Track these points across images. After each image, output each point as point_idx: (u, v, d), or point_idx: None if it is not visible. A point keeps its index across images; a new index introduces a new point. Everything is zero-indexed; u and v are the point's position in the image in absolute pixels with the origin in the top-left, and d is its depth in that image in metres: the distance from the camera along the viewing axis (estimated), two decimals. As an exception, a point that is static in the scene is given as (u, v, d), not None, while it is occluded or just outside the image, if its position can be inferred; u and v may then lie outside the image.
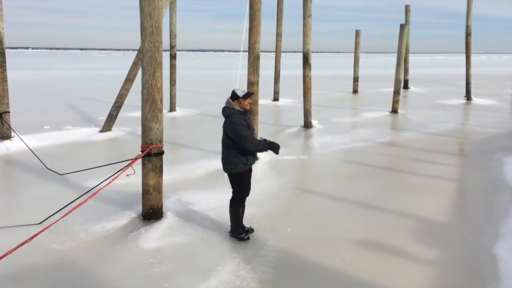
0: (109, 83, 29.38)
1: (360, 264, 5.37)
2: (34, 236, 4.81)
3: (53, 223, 5.37)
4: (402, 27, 18.05)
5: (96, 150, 11.24)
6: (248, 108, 5.80)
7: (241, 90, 5.80)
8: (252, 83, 9.98)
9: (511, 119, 17.66)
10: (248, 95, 5.78)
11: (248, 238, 5.98)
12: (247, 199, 6.35)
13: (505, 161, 10.15)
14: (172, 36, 17.55)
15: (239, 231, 5.99)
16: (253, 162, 5.91)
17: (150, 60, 6.24)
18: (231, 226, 6.05)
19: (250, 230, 6.15)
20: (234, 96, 5.75)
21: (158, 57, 6.28)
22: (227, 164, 5.83)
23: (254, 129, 5.94)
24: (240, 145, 5.62)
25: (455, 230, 6.55)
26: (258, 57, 9.92)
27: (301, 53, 15.04)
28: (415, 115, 17.93)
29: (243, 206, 6.07)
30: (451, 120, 16.77)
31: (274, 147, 5.84)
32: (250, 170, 5.95)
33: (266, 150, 5.82)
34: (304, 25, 14.42)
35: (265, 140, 5.83)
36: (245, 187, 5.92)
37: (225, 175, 6.14)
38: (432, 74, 48.70)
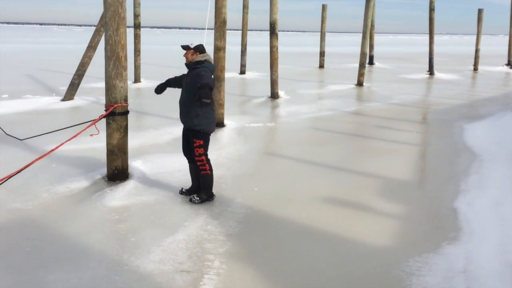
0: (70, 56, 28.41)
1: (326, 218, 5.45)
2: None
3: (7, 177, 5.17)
4: (368, 0, 18.13)
5: (58, 118, 10.90)
6: (186, 61, 5.65)
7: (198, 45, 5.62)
8: (219, 49, 9.85)
9: (471, 91, 18.22)
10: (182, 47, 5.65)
11: (181, 193, 5.98)
12: (215, 162, 6.38)
13: (465, 128, 10.45)
14: (136, 4, 17.07)
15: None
16: (182, 122, 5.73)
17: (113, 15, 6.04)
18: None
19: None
20: None
21: (122, 12, 6.09)
22: None
23: (183, 88, 5.71)
24: None
25: (417, 188, 6.75)
26: (224, 22, 9.77)
27: (268, 32, 14.87)
28: (380, 87, 18.18)
29: (193, 168, 5.90)
30: (414, 92, 17.11)
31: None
32: (185, 131, 5.76)
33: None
34: (271, -7, 14.27)
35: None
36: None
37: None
38: (396, 52, 49.42)
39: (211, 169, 5.73)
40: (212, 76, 5.69)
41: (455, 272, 4.26)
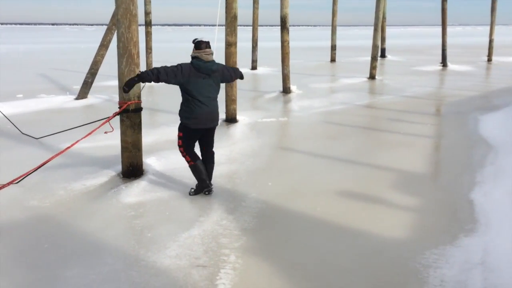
0: (83, 55, 28.70)
1: (341, 212, 5.43)
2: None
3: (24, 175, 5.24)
4: (379, -8, 17.98)
5: (72, 116, 11.00)
6: None
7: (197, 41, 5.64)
8: (230, 44, 9.85)
9: (485, 82, 17.99)
10: None
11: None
12: (229, 157, 6.28)
13: (480, 119, 10.34)
14: (147, 2, 17.14)
15: None
16: None
17: (125, 12, 6.07)
18: (210, 182, 5.99)
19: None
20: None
21: (133, 9, 6.11)
22: (218, 116, 5.85)
23: None
24: (239, 77, 6.07)
25: (433, 180, 6.71)
26: (235, 17, 9.77)
27: (279, 27, 14.80)
28: (393, 80, 18.04)
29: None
30: (427, 84, 16.95)
31: None
32: None
33: None
34: (282, -12, 14.20)
35: None
36: None
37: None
38: (408, 44, 48.98)
39: (193, 159, 5.77)
40: (205, 75, 5.53)
41: (473, 264, 4.23)
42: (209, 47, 5.62)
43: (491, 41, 26.67)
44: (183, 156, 5.81)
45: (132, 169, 6.50)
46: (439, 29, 23.94)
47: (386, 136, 9.22)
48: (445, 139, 9.10)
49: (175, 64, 5.63)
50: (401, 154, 7.87)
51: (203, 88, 5.56)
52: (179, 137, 5.77)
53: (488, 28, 26.67)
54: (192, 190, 5.92)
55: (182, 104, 5.69)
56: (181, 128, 5.74)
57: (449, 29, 24.16)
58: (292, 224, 5.13)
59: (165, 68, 5.48)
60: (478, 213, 5.30)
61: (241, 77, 6.13)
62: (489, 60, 26.66)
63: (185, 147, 5.77)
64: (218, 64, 5.71)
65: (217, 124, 5.87)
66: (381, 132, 9.62)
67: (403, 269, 4.19)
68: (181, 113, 5.70)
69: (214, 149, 6.04)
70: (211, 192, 5.91)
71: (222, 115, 10.25)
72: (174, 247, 4.55)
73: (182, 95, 5.66)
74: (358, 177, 6.71)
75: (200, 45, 5.56)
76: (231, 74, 5.88)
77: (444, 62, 23.73)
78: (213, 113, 5.73)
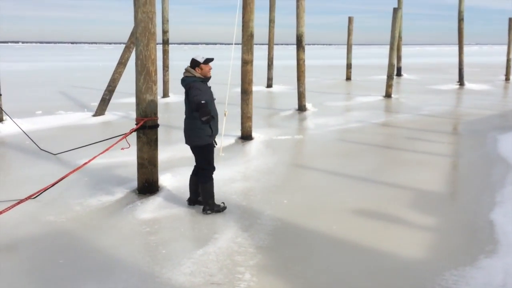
0: (101, 73, 29.11)
1: (357, 231, 5.36)
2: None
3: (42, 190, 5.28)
4: (395, 11, 18.01)
5: (89, 132, 11.13)
6: (209, 75, 5.66)
7: (201, 56, 5.63)
8: (246, 62, 9.92)
9: (503, 101, 17.77)
10: (209, 60, 5.62)
11: (226, 207, 5.93)
12: (244, 174, 6.26)
13: (499, 138, 10.18)
14: (165, 21, 17.40)
15: (216, 204, 5.87)
16: (217, 134, 5.78)
17: (143, 31, 6.16)
18: (207, 203, 5.80)
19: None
20: (194, 63, 5.58)
21: (152, 27, 6.20)
22: (193, 136, 5.64)
23: (215, 99, 5.73)
24: (194, 109, 5.30)
25: (451, 200, 6.60)
26: (252, 36, 9.85)
27: (294, 45, 14.89)
28: (409, 99, 17.94)
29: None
30: (444, 103, 16.81)
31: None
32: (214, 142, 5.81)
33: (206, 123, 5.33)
34: (297, 7, 14.30)
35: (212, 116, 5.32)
36: (213, 158, 5.81)
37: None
38: (424, 63, 48.81)
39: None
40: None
41: (494, 286, 4.12)
42: (190, 65, 5.63)
43: (508, 60, 26.47)
44: None
45: (147, 185, 6.52)
46: (456, 48, 23.83)
47: (402, 155, 9.13)
48: (464, 158, 8.97)
49: None
50: (419, 173, 7.77)
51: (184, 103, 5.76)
52: None
53: (505, 47, 26.49)
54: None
55: None
56: None
57: (465, 48, 24.03)
58: (307, 243, 5.07)
59: None
60: (498, 234, 5.18)
61: (199, 112, 5.23)
62: (507, 79, 26.42)
63: None
64: (190, 83, 5.50)
65: (192, 144, 5.72)
66: (397, 150, 9.53)
67: (422, 290, 4.10)
68: None
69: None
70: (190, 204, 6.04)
71: (236, 131, 10.28)
72: (188, 264, 4.52)
73: None
74: (374, 195, 6.63)
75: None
76: (189, 99, 5.45)
77: (461, 81, 23.56)
78: (185, 130, 5.76)
